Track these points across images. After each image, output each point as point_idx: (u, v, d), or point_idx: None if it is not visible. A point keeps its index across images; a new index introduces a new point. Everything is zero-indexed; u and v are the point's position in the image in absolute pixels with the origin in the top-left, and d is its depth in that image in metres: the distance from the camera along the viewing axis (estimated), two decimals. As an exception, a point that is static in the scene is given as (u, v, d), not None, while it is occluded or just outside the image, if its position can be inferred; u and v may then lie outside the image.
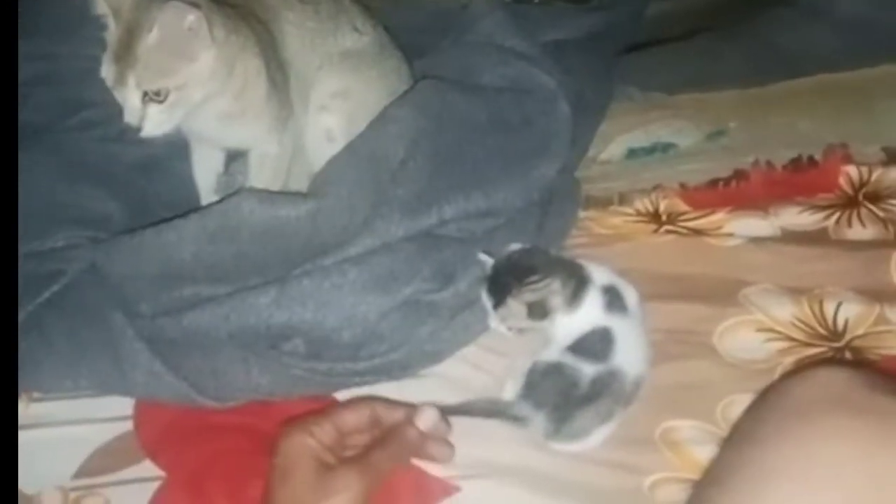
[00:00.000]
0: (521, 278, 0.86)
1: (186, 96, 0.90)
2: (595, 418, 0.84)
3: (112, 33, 0.87)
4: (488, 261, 0.90)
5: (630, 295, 0.89)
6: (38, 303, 0.93)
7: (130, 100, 0.88)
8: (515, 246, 0.91)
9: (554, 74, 1.07)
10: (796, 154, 1.09)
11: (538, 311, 0.86)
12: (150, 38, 0.85)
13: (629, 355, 0.85)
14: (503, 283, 0.87)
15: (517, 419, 0.86)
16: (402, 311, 0.93)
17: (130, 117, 0.88)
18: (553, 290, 0.86)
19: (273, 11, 1.00)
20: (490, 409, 0.86)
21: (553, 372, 0.85)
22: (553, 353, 0.86)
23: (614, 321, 0.86)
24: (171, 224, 0.91)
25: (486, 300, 0.89)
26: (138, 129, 0.89)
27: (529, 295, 0.86)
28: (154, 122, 0.89)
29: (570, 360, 0.85)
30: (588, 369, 0.84)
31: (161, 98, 0.88)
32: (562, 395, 0.84)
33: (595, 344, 0.85)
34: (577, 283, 0.87)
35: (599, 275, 0.89)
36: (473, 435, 0.87)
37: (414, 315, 0.93)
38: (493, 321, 0.89)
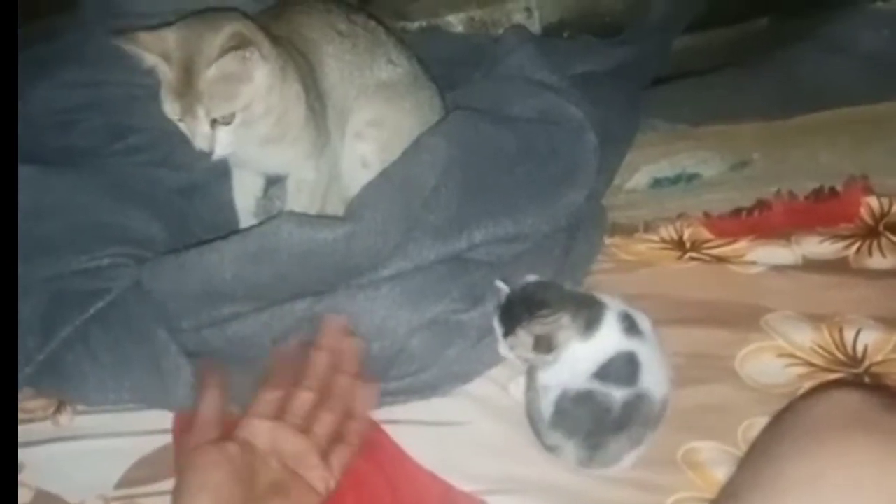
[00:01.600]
0: (532, 311, 0.88)
1: (251, 113, 0.94)
2: (627, 444, 0.86)
3: (166, 73, 0.92)
4: (504, 289, 0.92)
5: (643, 320, 0.90)
6: (84, 318, 0.96)
7: (201, 129, 0.92)
8: (532, 278, 0.93)
9: (582, 106, 1.09)
10: (818, 185, 1.11)
11: (544, 344, 0.88)
12: (210, 74, 0.90)
13: (654, 377, 0.87)
14: (515, 313, 0.89)
15: (549, 448, 0.88)
16: (432, 331, 0.96)
17: (202, 144, 0.93)
18: (562, 325, 0.87)
19: (314, 45, 1.04)
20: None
21: (584, 400, 0.86)
22: (581, 381, 0.87)
23: (636, 345, 0.88)
24: (213, 245, 0.94)
25: (497, 327, 0.91)
26: (210, 154, 0.94)
27: (539, 328, 0.87)
28: (224, 144, 0.94)
29: (598, 386, 0.86)
30: (618, 394, 0.85)
31: (229, 120, 0.93)
32: (595, 423, 0.86)
33: (621, 368, 0.86)
34: (591, 311, 0.89)
35: (613, 303, 0.90)
36: (500, 450, 0.90)
37: (442, 335, 0.96)
38: (502, 348, 0.91)
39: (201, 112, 0.91)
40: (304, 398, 0.87)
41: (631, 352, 0.87)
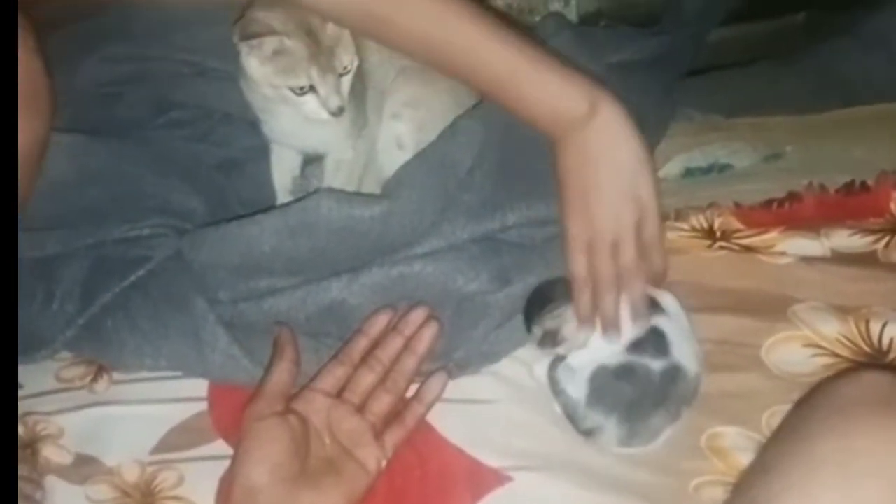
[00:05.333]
0: (541, 307, 0.92)
1: (355, 63, 0.99)
2: (666, 417, 0.88)
3: (292, 47, 0.95)
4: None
5: (666, 299, 0.93)
6: (124, 285, 0.98)
7: (335, 85, 0.97)
8: (554, 278, 0.96)
9: (617, 93, 1.10)
10: (849, 179, 1.10)
11: (549, 340, 0.91)
12: (331, 26, 0.95)
13: (685, 352, 0.89)
14: (530, 310, 0.93)
15: (587, 432, 0.89)
16: (460, 310, 0.98)
17: (335, 101, 0.98)
18: (566, 318, 0.91)
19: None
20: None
21: (624, 373, 0.88)
22: (616, 355, 0.89)
23: (660, 321, 0.90)
24: (254, 218, 0.97)
25: (524, 325, 0.94)
26: (341, 110, 0.98)
27: (549, 322, 0.91)
28: (345, 95, 0.99)
29: (635, 358, 0.88)
30: (655, 364, 0.88)
31: (348, 70, 0.98)
32: (637, 394, 0.87)
33: (651, 341, 0.89)
34: None
35: None
36: (526, 429, 0.92)
37: (470, 315, 0.98)
38: (530, 342, 0.94)
39: (338, 65, 0.96)
40: (366, 379, 0.90)
41: (655, 326, 0.90)
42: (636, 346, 0.89)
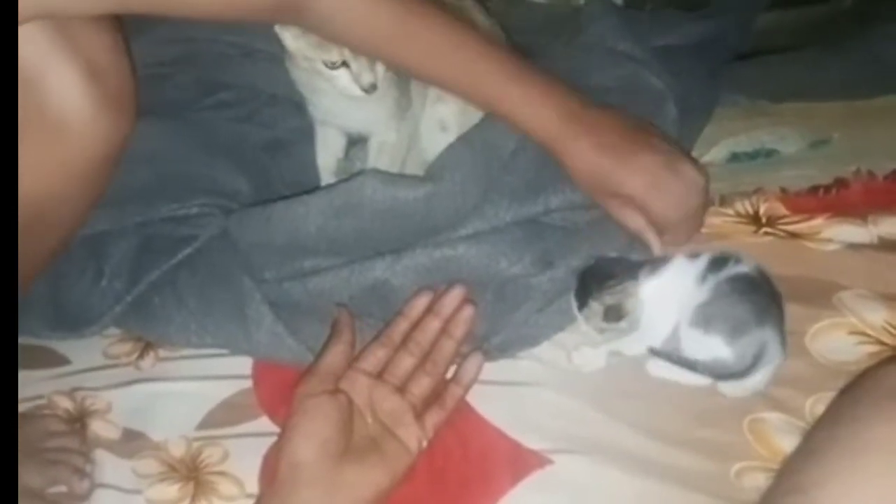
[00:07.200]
0: (601, 282, 0.91)
1: None
2: (776, 329, 0.89)
3: None
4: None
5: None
6: (171, 263, 1.00)
7: (368, 60, 0.97)
8: (607, 255, 0.96)
9: (662, 77, 1.09)
10: (897, 166, 1.10)
11: (613, 314, 0.91)
12: None
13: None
14: (587, 286, 0.93)
15: (739, 376, 0.89)
16: (503, 292, 0.98)
17: (369, 77, 0.98)
18: (629, 292, 0.91)
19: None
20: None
21: (728, 294, 0.89)
22: (694, 296, 0.90)
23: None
24: (300, 198, 0.98)
25: (574, 304, 0.94)
26: (374, 86, 0.98)
27: (608, 297, 0.91)
28: (379, 73, 0.99)
29: (726, 272, 0.90)
30: (744, 268, 0.91)
31: None
32: (751, 303, 0.89)
33: (728, 255, 0.92)
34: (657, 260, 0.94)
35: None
36: (566, 412, 0.92)
37: (512, 298, 0.98)
38: (581, 322, 0.94)
39: None
40: (406, 362, 0.90)
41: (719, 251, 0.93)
42: (713, 265, 0.91)
